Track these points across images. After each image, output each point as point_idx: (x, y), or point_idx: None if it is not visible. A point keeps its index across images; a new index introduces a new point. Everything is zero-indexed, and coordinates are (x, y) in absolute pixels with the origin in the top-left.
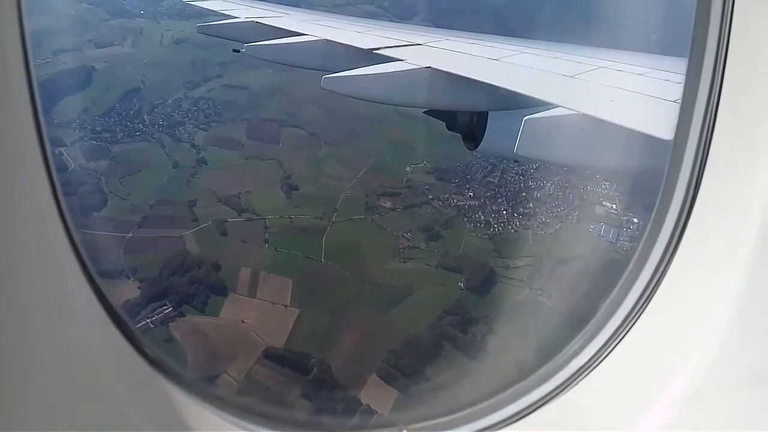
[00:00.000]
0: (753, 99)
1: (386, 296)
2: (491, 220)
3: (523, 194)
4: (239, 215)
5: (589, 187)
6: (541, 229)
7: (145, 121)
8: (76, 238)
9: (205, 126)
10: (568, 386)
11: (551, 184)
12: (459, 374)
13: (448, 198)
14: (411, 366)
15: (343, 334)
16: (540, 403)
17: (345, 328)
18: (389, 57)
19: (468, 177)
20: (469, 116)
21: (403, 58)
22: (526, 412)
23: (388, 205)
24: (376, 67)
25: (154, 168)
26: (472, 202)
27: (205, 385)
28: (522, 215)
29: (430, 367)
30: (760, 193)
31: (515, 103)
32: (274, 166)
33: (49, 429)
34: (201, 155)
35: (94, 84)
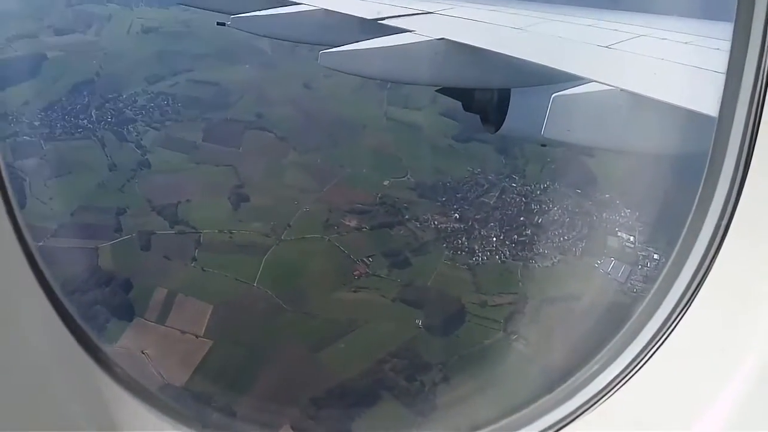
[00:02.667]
0: None
1: (323, 331)
2: (476, 247)
3: (522, 219)
4: (171, 227)
5: (604, 215)
6: (536, 262)
7: (91, 116)
8: (27, 238)
9: (158, 125)
10: (592, 406)
11: (558, 209)
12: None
13: (428, 219)
14: (334, 418)
15: (260, 375)
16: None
17: (264, 367)
18: (396, 28)
19: (458, 195)
20: (489, 94)
21: (412, 29)
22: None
23: (353, 223)
24: (381, 40)
25: (88, 169)
26: (457, 225)
27: (153, 388)
28: (515, 244)
29: (358, 420)
30: None
31: (542, 79)
32: (228, 173)
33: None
34: (145, 157)
35: (42, 74)
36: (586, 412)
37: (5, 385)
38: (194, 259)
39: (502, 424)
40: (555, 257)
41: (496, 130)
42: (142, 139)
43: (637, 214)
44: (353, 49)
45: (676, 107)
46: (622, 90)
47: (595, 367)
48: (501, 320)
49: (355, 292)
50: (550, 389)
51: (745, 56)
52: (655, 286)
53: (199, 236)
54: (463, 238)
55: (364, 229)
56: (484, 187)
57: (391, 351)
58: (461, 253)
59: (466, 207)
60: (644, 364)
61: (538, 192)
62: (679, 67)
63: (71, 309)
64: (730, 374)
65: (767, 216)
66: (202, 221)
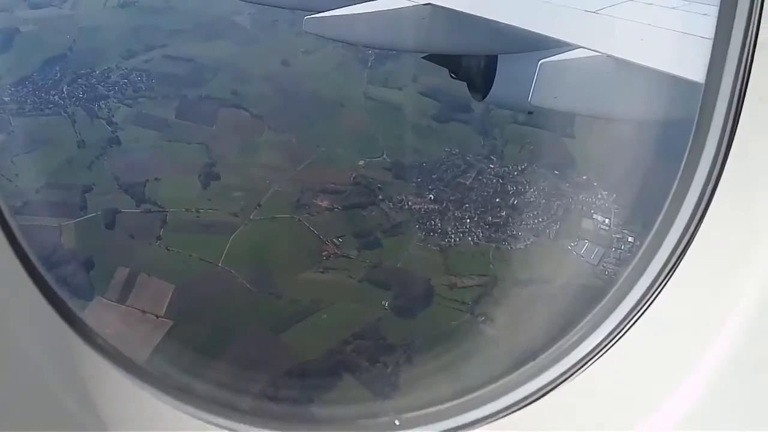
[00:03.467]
0: None
1: (287, 312)
2: (449, 228)
3: (497, 200)
4: (138, 206)
5: (581, 197)
6: (509, 244)
7: (62, 92)
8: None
9: (131, 101)
10: (566, 379)
11: (535, 190)
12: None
13: (402, 200)
14: (292, 399)
15: (219, 356)
16: (533, 397)
17: (224, 348)
18: None
19: (434, 176)
20: (476, 61)
21: None
22: (522, 404)
23: (325, 203)
24: (366, 5)
25: (57, 146)
26: (432, 206)
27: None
28: (489, 225)
29: (318, 402)
30: None
31: (529, 45)
32: (200, 151)
33: None
34: (116, 134)
35: (14, 48)
36: (567, 380)
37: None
38: (159, 238)
39: (484, 392)
40: (528, 239)
41: (483, 98)
42: (113, 116)
43: (614, 196)
44: (338, 15)
45: (663, 73)
46: (609, 56)
47: (578, 335)
48: (469, 302)
49: (322, 272)
50: (533, 357)
51: (733, 21)
52: (639, 254)
53: (165, 215)
54: (437, 220)
55: (336, 210)
56: (461, 168)
57: (356, 332)
58: (434, 234)
59: (442, 188)
60: (624, 334)
61: (515, 173)
62: (666, 33)
63: (49, 279)
64: (710, 347)
65: (752, 184)
66: (169, 200)
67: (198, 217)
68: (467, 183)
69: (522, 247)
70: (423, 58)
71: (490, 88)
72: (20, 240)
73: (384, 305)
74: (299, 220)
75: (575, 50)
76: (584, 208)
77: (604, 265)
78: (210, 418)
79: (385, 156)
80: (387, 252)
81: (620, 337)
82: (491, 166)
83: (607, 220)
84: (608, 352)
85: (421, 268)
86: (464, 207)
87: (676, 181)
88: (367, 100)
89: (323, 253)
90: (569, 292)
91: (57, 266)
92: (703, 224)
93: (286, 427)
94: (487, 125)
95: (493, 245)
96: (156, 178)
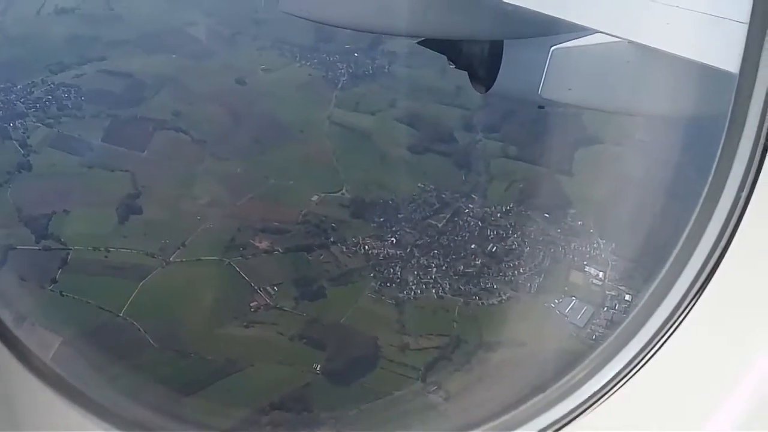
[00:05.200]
0: None
1: (195, 373)
2: (410, 278)
3: (473, 246)
4: (37, 242)
5: (573, 245)
6: (480, 298)
7: None
8: None
9: (52, 121)
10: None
11: (519, 236)
12: None
13: (357, 243)
14: None
15: None
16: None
17: None
18: None
19: (400, 216)
20: (479, 47)
21: None
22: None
23: (264, 245)
24: None
25: None
26: (393, 251)
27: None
28: (460, 276)
29: None
30: None
31: (539, 29)
32: (123, 180)
33: None
34: (27, 158)
35: None
36: (582, 415)
37: None
38: (54, 281)
39: (497, 423)
40: (505, 294)
41: (487, 89)
42: (29, 137)
43: (613, 245)
44: None
45: (692, 62)
46: (630, 42)
47: (590, 368)
48: (421, 368)
49: (246, 327)
50: (542, 389)
51: None
52: (656, 283)
53: (68, 254)
54: (397, 267)
55: (276, 252)
56: (435, 207)
57: (276, 400)
58: (391, 284)
59: (408, 230)
60: (642, 367)
61: (499, 215)
62: (696, 16)
63: None
64: (730, 382)
65: None
66: (75, 236)
67: (106, 257)
68: (439, 225)
69: (496, 302)
70: (418, 43)
71: (495, 78)
72: None
73: (315, 369)
74: (229, 263)
75: (592, 35)
76: (576, 259)
77: (592, 327)
78: None
79: (344, 191)
80: (331, 304)
81: (642, 366)
82: (470, 205)
83: (601, 274)
84: (629, 380)
85: (369, 326)
86: (432, 253)
87: (702, 196)
88: (332, 125)
89: (252, 304)
90: (546, 359)
91: None
92: (730, 247)
93: None
94: (472, 158)
95: (461, 300)
96: (65, 210)
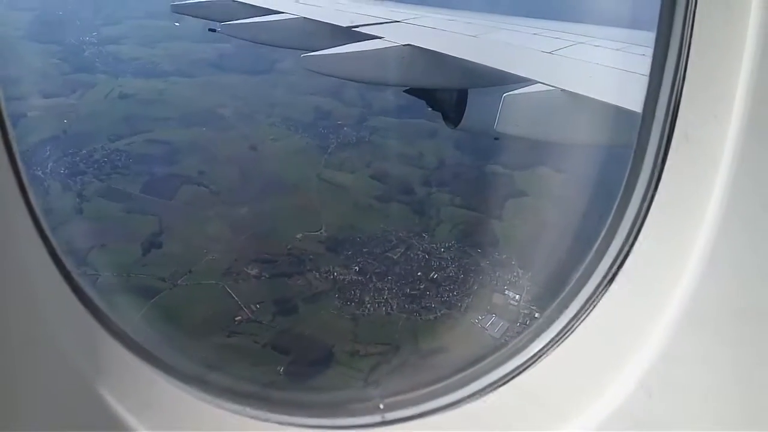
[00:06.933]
0: (718, 74)
1: None
2: (367, 298)
3: (419, 274)
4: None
5: (497, 273)
6: (420, 315)
7: (47, 168)
8: (42, 221)
9: (105, 177)
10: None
11: (456, 266)
12: None
13: (328, 270)
14: None
15: None
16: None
17: None
18: (368, 35)
19: (364, 250)
20: (450, 94)
21: (381, 36)
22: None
23: (254, 272)
24: (354, 45)
25: None
26: (356, 278)
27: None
28: (405, 296)
29: None
30: (726, 163)
31: (495, 80)
32: (151, 222)
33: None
34: (81, 205)
35: (16, 131)
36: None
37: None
38: None
39: (422, 393)
40: (440, 311)
41: (456, 126)
42: (84, 190)
43: (530, 274)
44: (330, 53)
45: (608, 104)
46: (562, 90)
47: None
48: (366, 369)
49: (228, 336)
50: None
51: (665, 61)
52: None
53: (97, 278)
54: (357, 290)
55: (263, 278)
56: (392, 243)
57: None
58: (350, 303)
59: (370, 261)
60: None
61: (442, 250)
62: (611, 70)
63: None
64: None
65: (684, 201)
66: (106, 265)
67: (127, 281)
68: (395, 257)
69: (432, 318)
70: (404, 91)
71: (462, 117)
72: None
73: (279, 370)
74: (223, 286)
75: (534, 85)
76: (498, 284)
77: (506, 338)
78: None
79: (323, 230)
80: (301, 319)
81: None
82: (421, 242)
83: (517, 296)
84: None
85: (328, 336)
86: (386, 279)
87: (617, 202)
88: (320, 181)
89: (236, 318)
90: (461, 361)
91: None
92: (635, 246)
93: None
94: (426, 206)
95: (405, 316)
96: (102, 245)
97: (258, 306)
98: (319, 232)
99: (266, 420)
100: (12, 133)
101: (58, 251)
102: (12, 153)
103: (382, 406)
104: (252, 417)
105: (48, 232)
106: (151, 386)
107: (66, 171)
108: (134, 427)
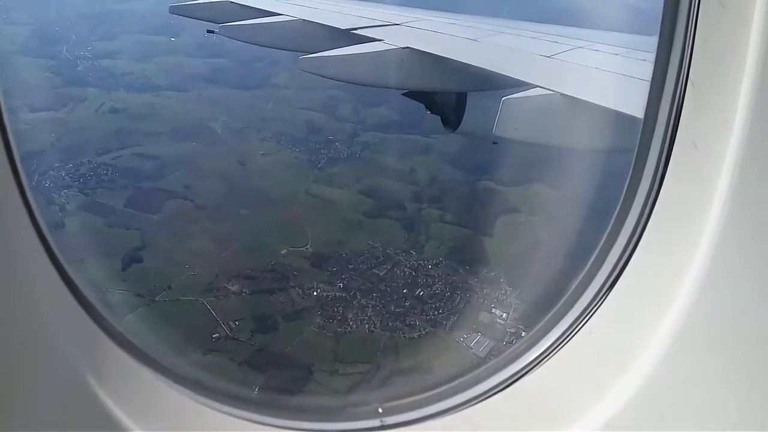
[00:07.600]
0: (721, 80)
1: None
2: (350, 316)
3: (405, 291)
4: None
5: (485, 291)
6: (403, 333)
7: (33, 182)
8: (41, 222)
9: (89, 191)
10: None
11: (443, 283)
12: None
13: (312, 287)
14: None
15: None
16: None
17: None
18: (367, 37)
19: (350, 266)
20: (449, 97)
21: (381, 39)
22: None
23: (235, 288)
24: (353, 48)
25: None
26: (339, 294)
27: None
28: (389, 314)
29: None
30: (727, 169)
31: (494, 84)
32: (134, 236)
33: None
34: (64, 219)
35: None
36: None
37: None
38: None
39: (421, 398)
40: (424, 329)
41: (454, 130)
42: (68, 203)
43: (518, 292)
44: (328, 55)
45: (607, 109)
46: (561, 94)
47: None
48: (343, 389)
49: (204, 354)
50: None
51: (667, 66)
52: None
53: None
54: (340, 307)
55: (244, 294)
56: (379, 260)
57: None
58: (333, 321)
59: (355, 278)
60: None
61: (430, 267)
62: (610, 75)
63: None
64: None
65: (686, 208)
66: (84, 280)
67: (104, 296)
68: (381, 274)
69: (415, 336)
70: (403, 94)
71: (461, 121)
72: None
73: (254, 389)
74: (203, 302)
75: (533, 89)
76: (485, 302)
77: (491, 358)
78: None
79: (308, 246)
80: (280, 336)
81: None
82: (408, 259)
83: (505, 315)
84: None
85: (307, 354)
86: (371, 296)
87: (617, 208)
88: (308, 196)
89: (214, 335)
90: (443, 381)
91: None
92: (638, 248)
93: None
94: (415, 222)
95: (388, 333)
96: (80, 260)
97: (237, 323)
98: (304, 248)
99: (265, 423)
100: (12, 137)
101: (58, 254)
102: (12, 156)
103: (380, 411)
104: (251, 420)
105: (47, 236)
106: (149, 389)
107: (50, 184)
108: (131, 429)
